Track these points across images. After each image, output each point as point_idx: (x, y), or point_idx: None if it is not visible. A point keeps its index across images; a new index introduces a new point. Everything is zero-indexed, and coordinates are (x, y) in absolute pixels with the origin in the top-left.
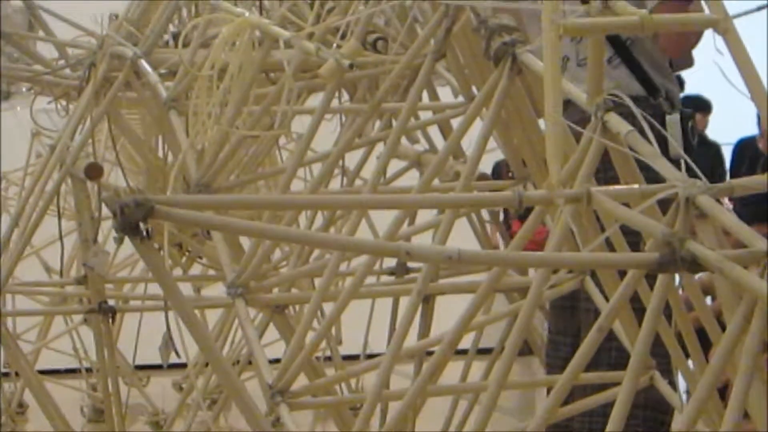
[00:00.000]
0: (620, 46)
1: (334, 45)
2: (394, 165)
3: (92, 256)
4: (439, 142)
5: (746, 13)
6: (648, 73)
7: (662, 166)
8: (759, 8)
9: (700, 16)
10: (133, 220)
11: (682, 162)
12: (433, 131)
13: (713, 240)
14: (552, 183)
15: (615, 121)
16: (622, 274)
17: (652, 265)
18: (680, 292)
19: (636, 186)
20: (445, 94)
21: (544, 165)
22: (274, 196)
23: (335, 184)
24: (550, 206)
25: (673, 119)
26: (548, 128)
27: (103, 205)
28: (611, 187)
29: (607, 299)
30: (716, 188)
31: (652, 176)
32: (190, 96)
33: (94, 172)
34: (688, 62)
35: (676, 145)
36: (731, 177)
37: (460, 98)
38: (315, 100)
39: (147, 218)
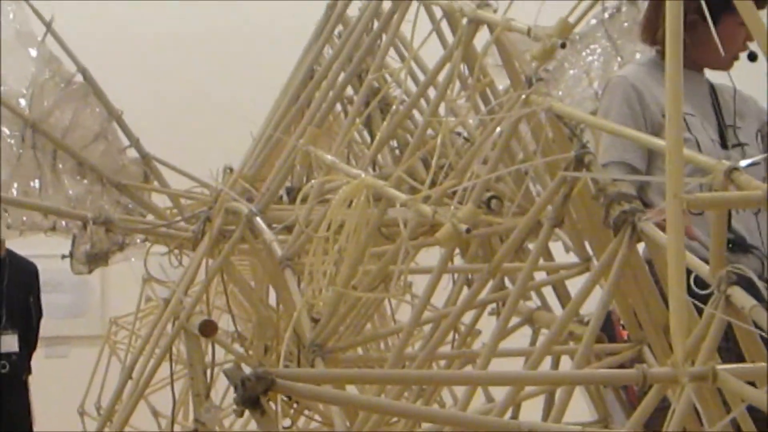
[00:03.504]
0: None
1: (452, 207)
2: None
3: (204, 412)
4: (551, 297)
5: None
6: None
7: None
8: None
9: None
10: (254, 393)
11: None
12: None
13: None
14: (676, 362)
15: (738, 295)
16: None
17: None
18: None
19: (762, 365)
20: (556, 248)
21: (661, 331)
22: (393, 372)
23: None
24: (674, 385)
25: None
26: (672, 305)
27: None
28: (737, 366)
29: None
30: None
31: None
32: (305, 252)
33: (208, 329)
34: None
35: None
36: None
37: (573, 256)
38: (427, 254)
39: (268, 392)
